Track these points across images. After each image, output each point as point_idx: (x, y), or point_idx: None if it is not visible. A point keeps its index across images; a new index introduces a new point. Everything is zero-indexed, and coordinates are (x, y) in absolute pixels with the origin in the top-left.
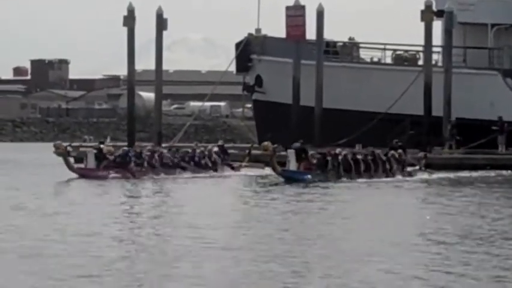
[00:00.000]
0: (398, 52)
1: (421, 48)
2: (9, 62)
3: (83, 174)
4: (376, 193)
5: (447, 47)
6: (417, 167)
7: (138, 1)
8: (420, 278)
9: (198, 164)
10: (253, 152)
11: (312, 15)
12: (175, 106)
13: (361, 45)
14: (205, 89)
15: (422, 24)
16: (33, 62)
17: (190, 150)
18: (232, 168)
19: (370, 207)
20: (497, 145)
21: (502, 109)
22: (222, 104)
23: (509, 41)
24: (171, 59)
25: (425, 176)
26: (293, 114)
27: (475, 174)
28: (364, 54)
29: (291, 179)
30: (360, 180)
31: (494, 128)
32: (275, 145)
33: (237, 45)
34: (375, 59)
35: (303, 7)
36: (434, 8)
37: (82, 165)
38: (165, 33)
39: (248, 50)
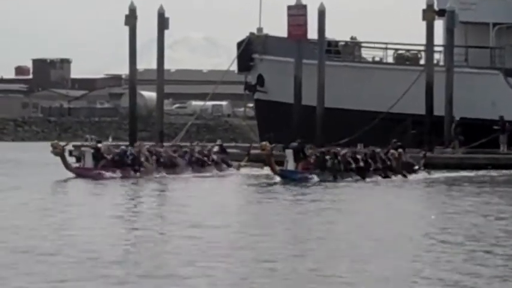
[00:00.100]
0: (400, 51)
1: (422, 48)
2: (11, 61)
3: (81, 174)
4: (376, 193)
5: (449, 46)
6: (416, 167)
7: (140, 0)
8: (428, 277)
9: (197, 164)
10: (253, 151)
11: (313, 14)
12: (177, 105)
13: (362, 44)
14: (207, 88)
15: (423, 24)
16: (35, 62)
17: (188, 150)
18: (229, 166)
19: (372, 207)
20: (499, 144)
21: (503, 108)
22: (224, 103)
23: (511, 40)
24: (173, 58)
25: (424, 175)
26: (295, 114)
27: (475, 173)
28: (366, 54)
29: (289, 178)
30: (359, 179)
31: (495, 127)
32: (273, 145)
33: (239, 44)
34: (377, 59)
35: (305, 6)
36: (435, 7)
37: (79, 165)
38: (166, 32)
39: (250, 49)
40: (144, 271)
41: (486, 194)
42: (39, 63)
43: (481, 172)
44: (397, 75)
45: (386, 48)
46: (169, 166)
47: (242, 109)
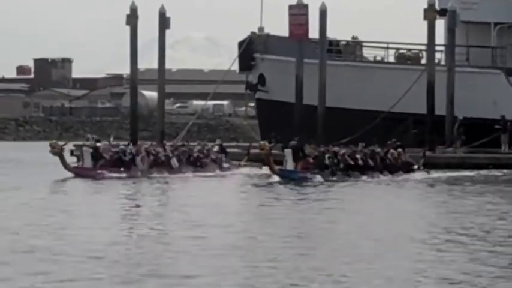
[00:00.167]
0: (401, 51)
1: (424, 47)
2: (12, 61)
3: (79, 174)
4: (376, 192)
5: (450, 45)
6: (416, 166)
7: (141, 0)
8: (431, 276)
9: (196, 163)
10: (253, 151)
11: (314, 14)
12: (178, 105)
13: (364, 44)
14: (208, 88)
15: (425, 23)
16: (36, 61)
17: (187, 150)
18: (229, 165)
19: (372, 207)
20: (500, 144)
21: (505, 108)
22: (225, 102)
23: None
24: (174, 58)
25: (424, 175)
26: (296, 113)
27: (476, 173)
28: (367, 53)
29: (288, 178)
30: (358, 179)
31: (497, 126)
32: (272, 144)
33: (240, 44)
34: (378, 58)
35: (306, 6)
36: (437, 7)
37: (78, 165)
38: (167, 32)
39: (251, 48)
40: (146, 271)
41: (488, 194)
42: (40, 63)
43: (482, 172)
44: (398, 75)
45: (387, 48)
46: (167, 166)
47: (243, 109)
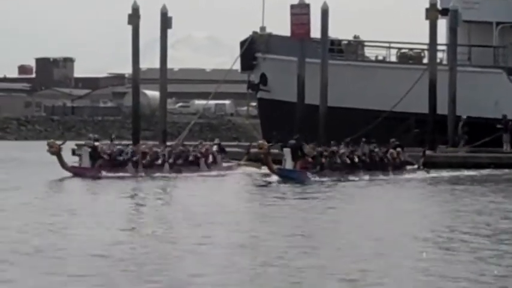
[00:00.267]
0: (403, 50)
1: (425, 47)
2: (14, 60)
3: (77, 173)
4: (377, 192)
5: (452, 45)
6: (416, 166)
7: None
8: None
9: (194, 163)
10: (252, 150)
11: (316, 13)
12: (180, 104)
13: (366, 43)
14: (210, 88)
15: (427, 23)
16: (38, 60)
17: (184, 150)
18: (228, 165)
19: (375, 206)
20: (502, 143)
21: (506, 107)
22: (227, 102)
23: None
24: (176, 58)
25: (423, 174)
26: (298, 113)
27: (478, 172)
28: (369, 53)
29: (287, 177)
30: (357, 178)
31: (498, 126)
32: (271, 143)
33: (242, 43)
34: (380, 57)
35: (308, 5)
36: (439, 6)
37: (76, 164)
38: (169, 31)
39: (253, 48)
40: (152, 270)
41: (490, 193)
42: (42, 62)
43: (484, 171)
44: (400, 74)
45: (389, 47)
46: (165, 166)
47: (245, 108)
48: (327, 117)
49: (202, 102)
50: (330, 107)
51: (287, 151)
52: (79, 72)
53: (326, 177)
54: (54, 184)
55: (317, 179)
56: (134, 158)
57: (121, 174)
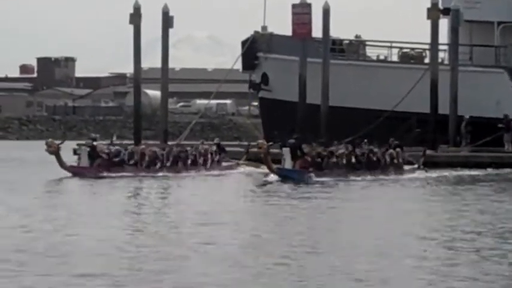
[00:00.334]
0: (404, 50)
1: (427, 46)
2: (16, 60)
3: (76, 173)
4: (378, 192)
5: (453, 44)
6: (415, 165)
7: None
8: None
9: (193, 163)
10: (252, 150)
11: (318, 13)
12: (181, 104)
13: (367, 43)
14: (211, 87)
15: (428, 22)
16: (40, 60)
17: (182, 149)
18: (227, 164)
19: (376, 206)
20: (503, 143)
21: (507, 107)
22: (228, 102)
23: None
24: (177, 57)
25: (423, 174)
26: (299, 112)
27: (479, 172)
28: (371, 52)
29: (286, 177)
30: (357, 178)
31: (500, 126)
32: (270, 143)
33: (243, 43)
34: (381, 57)
35: (309, 5)
36: (440, 6)
37: (75, 164)
38: (170, 31)
39: (254, 47)
40: (155, 269)
41: (492, 192)
42: (43, 62)
43: (485, 171)
44: (401, 74)
45: (391, 47)
46: (164, 166)
47: (246, 108)
48: (329, 116)
49: (204, 101)
50: (331, 106)
51: (286, 151)
52: (80, 71)
53: (326, 177)
54: (53, 184)
55: (316, 179)
56: (131, 161)
57: (120, 174)
